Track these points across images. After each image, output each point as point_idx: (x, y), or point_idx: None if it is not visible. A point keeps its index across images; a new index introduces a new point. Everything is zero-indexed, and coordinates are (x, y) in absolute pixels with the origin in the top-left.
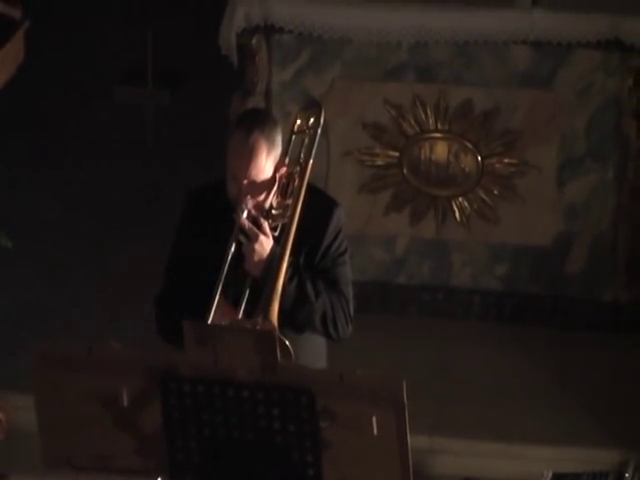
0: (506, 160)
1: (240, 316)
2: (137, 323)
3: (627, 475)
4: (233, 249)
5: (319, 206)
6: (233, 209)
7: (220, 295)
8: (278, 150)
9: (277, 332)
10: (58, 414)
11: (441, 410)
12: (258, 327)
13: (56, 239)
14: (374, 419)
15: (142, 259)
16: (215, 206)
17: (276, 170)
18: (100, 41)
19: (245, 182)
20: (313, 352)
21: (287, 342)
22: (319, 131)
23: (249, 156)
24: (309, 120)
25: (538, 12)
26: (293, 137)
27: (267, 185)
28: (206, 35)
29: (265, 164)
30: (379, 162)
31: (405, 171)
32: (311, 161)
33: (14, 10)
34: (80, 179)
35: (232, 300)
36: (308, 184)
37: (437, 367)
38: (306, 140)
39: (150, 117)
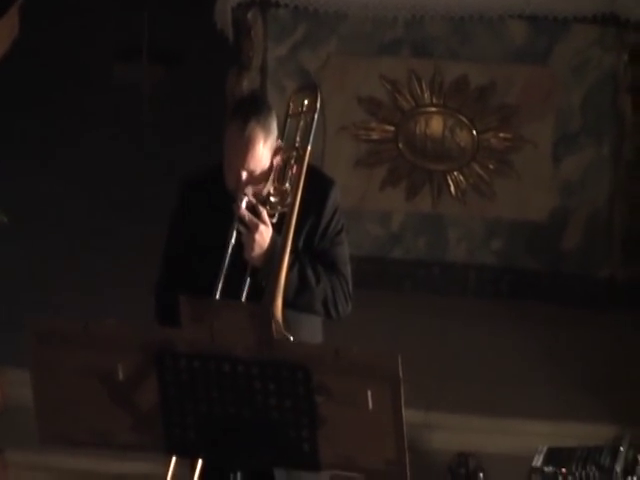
0: (501, 135)
1: None
2: (134, 300)
3: (622, 450)
4: (233, 240)
5: (314, 187)
6: (231, 198)
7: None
8: (274, 135)
9: (282, 327)
10: (54, 390)
11: (436, 385)
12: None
13: (52, 216)
14: (369, 394)
15: (138, 236)
16: (210, 194)
17: (273, 156)
18: (96, 18)
19: (244, 175)
20: (310, 328)
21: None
22: (316, 116)
23: (246, 148)
24: (303, 102)
25: None
26: (288, 120)
27: (265, 174)
28: (202, 12)
29: (262, 153)
30: (375, 136)
31: (401, 146)
32: (309, 148)
33: None
34: (76, 155)
35: (232, 290)
36: None
37: (433, 343)
38: (302, 123)
39: (146, 94)
